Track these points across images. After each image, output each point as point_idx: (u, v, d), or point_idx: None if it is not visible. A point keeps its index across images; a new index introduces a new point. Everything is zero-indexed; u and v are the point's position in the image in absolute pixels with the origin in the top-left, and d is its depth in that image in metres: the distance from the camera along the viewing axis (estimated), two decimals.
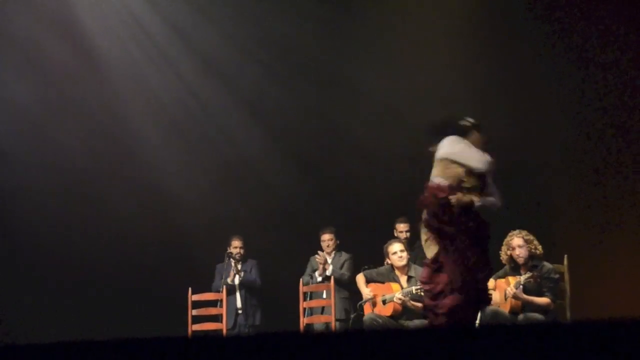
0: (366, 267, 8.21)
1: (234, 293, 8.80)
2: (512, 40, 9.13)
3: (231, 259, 8.82)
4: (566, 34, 9.04)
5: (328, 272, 8.48)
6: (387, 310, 7.52)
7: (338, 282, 8.28)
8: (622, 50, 8.78)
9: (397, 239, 8.15)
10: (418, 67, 9.28)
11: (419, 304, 7.28)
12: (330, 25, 9.70)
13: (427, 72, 9.23)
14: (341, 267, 8.57)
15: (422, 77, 9.24)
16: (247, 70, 9.83)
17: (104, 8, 9.65)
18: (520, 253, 7.11)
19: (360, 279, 7.90)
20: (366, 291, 7.76)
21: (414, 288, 7.36)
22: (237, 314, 8.81)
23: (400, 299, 7.38)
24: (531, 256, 7.12)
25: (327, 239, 8.71)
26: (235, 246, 8.97)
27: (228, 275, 8.79)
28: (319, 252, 8.63)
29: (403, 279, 7.68)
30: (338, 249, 8.73)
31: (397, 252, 7.72)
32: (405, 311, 7.47)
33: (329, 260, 8.60)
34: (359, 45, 9.70)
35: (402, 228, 8.63)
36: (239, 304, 8.84)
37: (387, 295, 7.55)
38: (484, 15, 9.21)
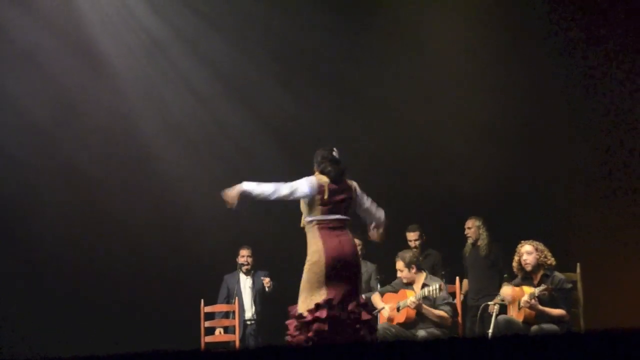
0: (377, 277, 8.18)
1: (243, 304, 8.72)
2: (532, 51, 9.20)
3: (240, 270, 8.81)
4: (586, 42, 9.04)
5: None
6: (400, 317, 7.39)
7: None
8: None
9: (405, 251, 8.00)
10: (434, 81, 9.35)
11: (435, 310, 7.33)
12: (345, 35, 9.73)
13: (442, 86, 9.31)
14: (369, 279, 8.47)
15: (437, 91, 9.32)
16: (261, 83, 9.83)
17: (115, 20, 9.69)
18: (527, 259, 7.07)
19: (375, 298, 7.80)
20: (382, 304, 7.67)
21: (426, 289, 7.29)
22: (245, 325, 8.70)
23: (413, 302, 7.27)
24: (540, 265, 7.08)
25: None
26: (243, 255, 8.87)
27: (235, 286, 8.74)
28: None
29: (417, 287, 7.58)
30: (362, 257, 8.66)
31: (398, 270, 7.67)
32: (419, 317, 7.35)
33: None
34: (370, 54, 9.72)
35: (411, 237, 8.63)
36: (248, 314, 8.76)
37: (401, 301, 7.48)
38: (505, 25, 9.24)
